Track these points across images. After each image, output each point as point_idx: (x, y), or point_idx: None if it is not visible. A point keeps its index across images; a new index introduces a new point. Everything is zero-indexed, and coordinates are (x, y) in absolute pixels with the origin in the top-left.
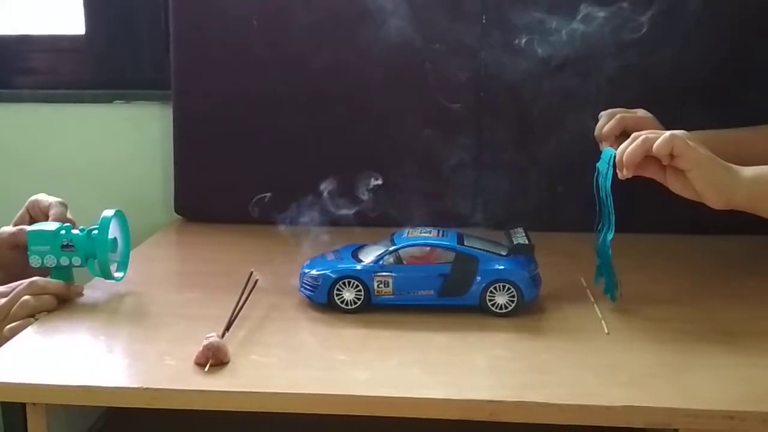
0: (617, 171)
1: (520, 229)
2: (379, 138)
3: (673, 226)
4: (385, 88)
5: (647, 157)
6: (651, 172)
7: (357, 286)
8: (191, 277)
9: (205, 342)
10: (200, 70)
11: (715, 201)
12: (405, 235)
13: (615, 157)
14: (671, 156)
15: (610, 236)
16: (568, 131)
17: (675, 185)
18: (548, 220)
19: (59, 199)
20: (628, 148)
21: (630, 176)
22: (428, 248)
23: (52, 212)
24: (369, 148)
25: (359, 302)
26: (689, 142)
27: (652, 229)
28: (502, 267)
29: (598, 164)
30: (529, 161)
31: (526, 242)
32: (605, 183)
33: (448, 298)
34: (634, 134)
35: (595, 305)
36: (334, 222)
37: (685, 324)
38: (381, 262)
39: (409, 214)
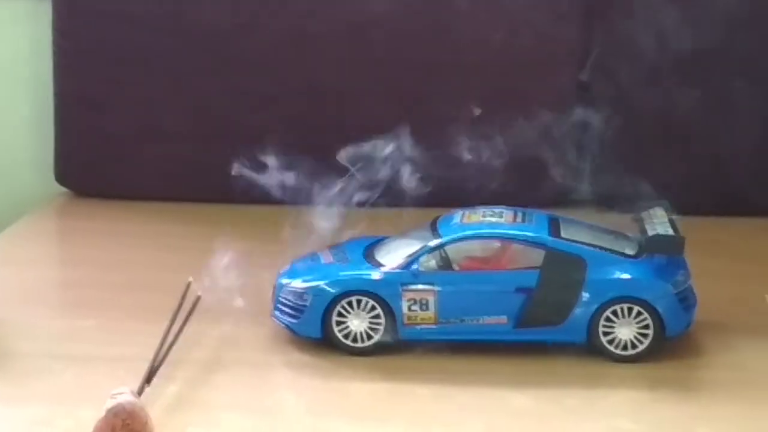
0: None
1: (661, 211)
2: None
3: None
4: None
5: None
6: None
7: (374, 308)
8: (83, 291)
9: (110, 403)
10: None
11: None
12: (457, 220)
13: None
14: None
15: None
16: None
17: None
18: (704, 197)
19: None
20: None
21: None
22: (498, 243)
23: None
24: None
25: (377, 336)
26: None
27: None
28: (627, 276)
29: None
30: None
31: (672, 233)
32: None
33: (532, 330)
34: None
35: None
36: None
37: None
38: (416, 267)
39: (461, 185)
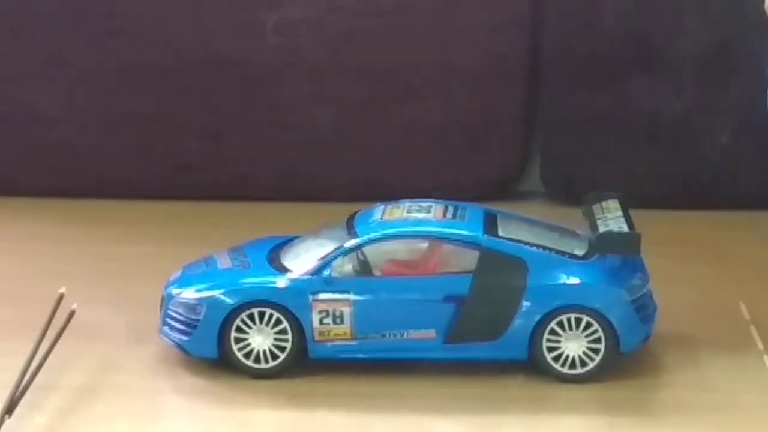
0: None
1: (615, 203)
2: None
3: None
4: None
5: None
6: None
7: (279, 322)
8: None
9: None
10: None
11: None
12: (377, 217)
13: None
14: None
15: None
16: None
17: None
18: (669, 187)
19: None
20: None
21: None
22: (426, 243)
23: None
24: None
25: (284, 355)
26: None
27: None
28: (575, 281)
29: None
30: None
31: (626, 229)
32: None
33: (465, 346)
34: None
35: (767, 358)
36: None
37: None
38: (328, 273)
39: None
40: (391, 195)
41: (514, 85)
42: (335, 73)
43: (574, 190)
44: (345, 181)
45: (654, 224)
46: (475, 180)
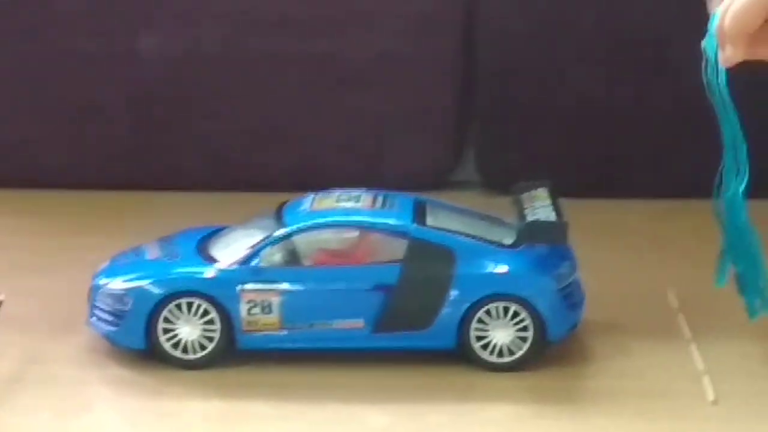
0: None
1: (543, 192)
2: None
3: None
4: None
5: None
6: None
7: (207, 312)
8: None
9: None
10: None
11: None
12: (306, 206)
13: None
14: None
15: (741, 186)
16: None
17: None
18: (598, 177)
19: None
20: (734, 4)
21: (739, 59)
22: (355, 233)
23: None
24: None
25: (212, 346)
26: None
27: None
28: (503, 270)
29: (704, 43)
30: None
31: (553, 218)
32: (716, 79)
33: (393, 335)
34: None
35: (694, 346)
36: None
37: None
38: (257, 263)
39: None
40: (325, 185)
41: (449, 74)
42: (268, 62)
43: (509, 180)
44: (278, 171)
45: (586, 213)
46: (410, 169)
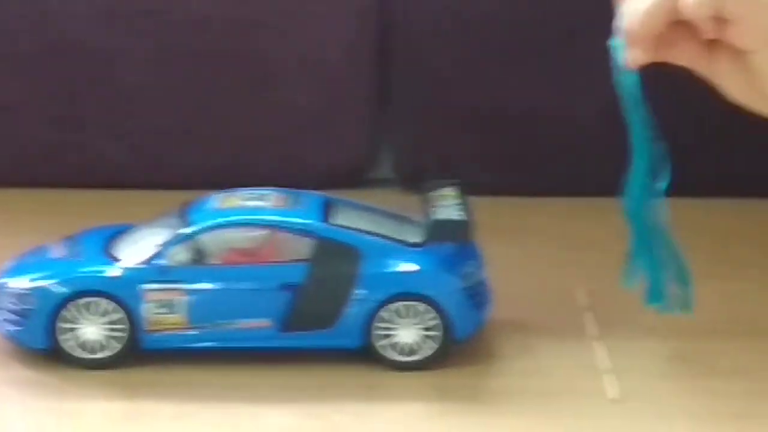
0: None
1: (451, 191)
2: None
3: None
4: None
5: (678, 23)
6: (684, 55)
7: (111, 312)
8: None
9: None
10: None
11: None
12: (212, 205)
13: None
14: (718, 21)
15: (661, 186)
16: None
17: (729, 81)
18: (516, 175)
19: None
20: (639, 4)
21: (645, 61)
22: (263, 232)
23: None
24: None
25: (116, 346)
26: None
27: (716, 190)
28: (409, 269)
29: (611, 42)
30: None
31: (459, 217)
32: (625, 80)
33: (300, 335)
34: None
35: (599, 344)
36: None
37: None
38: (162, 262)
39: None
40: (242, 183)
41: (365, 72)
42: (185, 59)
43: (425, 178)
44: (194, 169)
45: (499, 212)
46: (326, 168)
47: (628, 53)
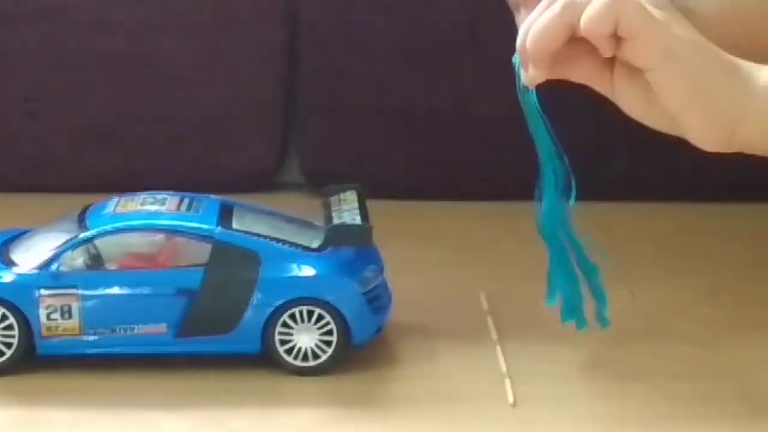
0: (524, 69)
1: (352, 195)
2: None
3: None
4: None
5: (575, 41)
6: (582, 73)
7: (5, 318)
8: None
9: None
10: None
11: (706, 135)
12: (110, 209)
13: None
14: (617, 39)
15: (570, 199)
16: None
17: (628, 99)
18: (429, 179)
19: None
20: (536, 20)
21: (542, 79)
22: (161, 237)
23: None
24: None
25: (10, 352)
26: (650, 9)
27: (624, 193)
28: (307, 274)
29: (514, 59)
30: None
31: (359, 221)
32: (525, 98)
33: (197, 340)
34: None
35: (500, 348)
36: None
37: (693, 383)
38: (57, 267)
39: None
40: (144, 187)
41: (272, 75)
42: (92, 62)
43: (333, 182)
44: (99, 173)
45: (404, 215)
46: (233, 172)
47: (525, 72)
